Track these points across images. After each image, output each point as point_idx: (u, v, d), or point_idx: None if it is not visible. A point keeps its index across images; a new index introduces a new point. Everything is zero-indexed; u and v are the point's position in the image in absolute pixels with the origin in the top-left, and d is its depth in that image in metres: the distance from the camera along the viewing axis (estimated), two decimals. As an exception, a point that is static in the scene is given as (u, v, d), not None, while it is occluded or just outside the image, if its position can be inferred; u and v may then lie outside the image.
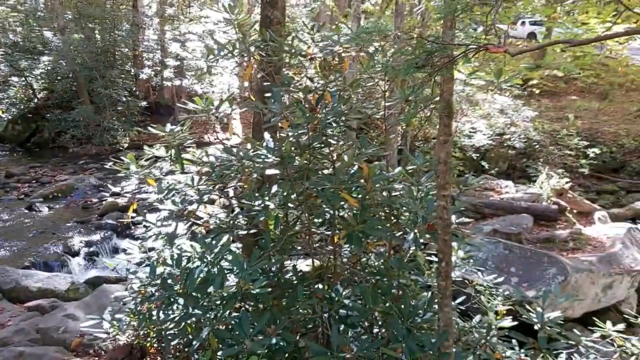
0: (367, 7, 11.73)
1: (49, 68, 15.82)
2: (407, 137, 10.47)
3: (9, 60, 16.04)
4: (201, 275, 2.99)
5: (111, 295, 4.90)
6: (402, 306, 2.90)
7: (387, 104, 3.59)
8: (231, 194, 4.43)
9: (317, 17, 13.31)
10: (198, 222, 4.06)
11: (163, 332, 3.35)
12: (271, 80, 3.75)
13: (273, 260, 3.22)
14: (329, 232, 3.52)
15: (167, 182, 3.70)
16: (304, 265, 4.01)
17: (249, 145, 3.90)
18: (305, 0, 14.46)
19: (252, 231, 3.61)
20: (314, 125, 2.92)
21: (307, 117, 2.98)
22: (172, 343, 3.18)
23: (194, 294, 3.05)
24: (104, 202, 10.15)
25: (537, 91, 14.30)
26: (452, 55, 2.08)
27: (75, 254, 8.01)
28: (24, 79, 15.55)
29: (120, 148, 14.37)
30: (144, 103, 14.87)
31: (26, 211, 9.70)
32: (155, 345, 3.52)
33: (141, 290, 3.95)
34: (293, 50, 3.65)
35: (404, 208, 3.26)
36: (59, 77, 15.84)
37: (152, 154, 4.00)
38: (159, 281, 3.58)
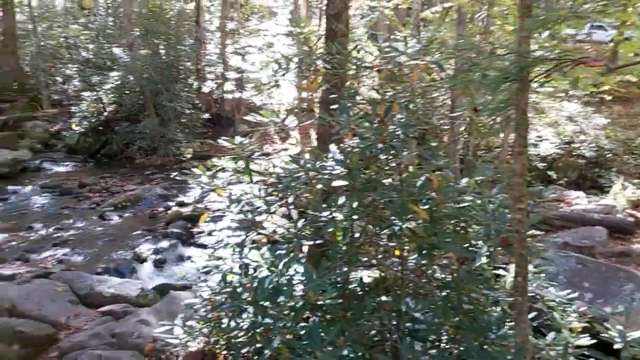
0: (427, 15, 11.62)
1: (117, 83, 16.60)
2: (469, 146, 10.25)
3: (82, 75, 16.98)
4: (271, 285, 3.04)
5: (180, 302, 5.04)
6: (474, 321, 2.83)
7: (452, 114, 3.55)
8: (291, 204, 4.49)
9: (375, 27, 13.32)
10: (263, 232, 4.13)
11: (233, 340, 3.42)
12: (337, 92, 3.78)
13: (340, 271, 3.23)
14: (393, 244, 3.50)
15: (235, 193, 3.78)
16: (366, 276, 3.99)
17: (307, 156, 3.96)
18: (362, 10, 14.49)
19: (317, 242, 3.63)
20: (382, 137, 2.91)
21: (375, 129, 2.98)
22: (242, 351, 3.23)
23: (263, 303, 3.11)
24: (169, 212, 10.49)
25: (609, 97, 13.68)
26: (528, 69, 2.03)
27: (144, 260, 8.32)
28: (95, 93, 16.38)
29: (184, 159, 14.85)
30: (206, 115, 15.32)
31: (98, 219, 10.17)
32: (224, 352, 3.59)
33: (211, 298, 4.04)
34: (358, 62, 3.67)
35: (474, 220, 3.19)
36: (127, 92, 16.57)
37: (221, 165, 4.11)
38: (228, 289, 3.66)
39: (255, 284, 3.12)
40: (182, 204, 10.99)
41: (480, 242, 3.16)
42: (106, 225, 9.95)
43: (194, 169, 4.36)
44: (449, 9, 11.06)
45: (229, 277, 3.94)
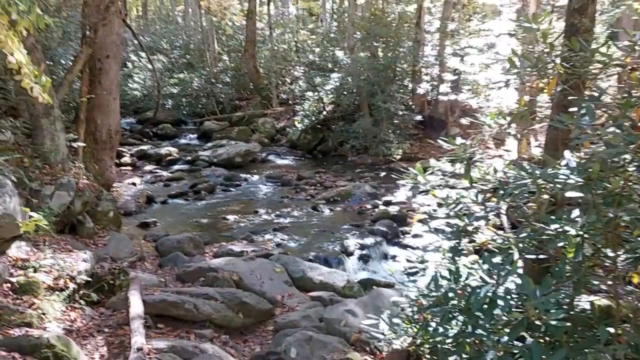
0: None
1: (337, 84, 17.61)
2: None
3: (307, 77, 18.42)
4: (487, 295, 2.86)
5: (385, 298, 5.12)
6: None
7: None
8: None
9: (617, 24, 11.81)
10: (478, 239, 3.95)
11: (439, 346, 3.33)
12: (576, 94, 3.40)
13: (568, 293, 2.90)
14: (632, 269, 3.03)
15: (452, 196, 3.65)
16: (593, 301, 3.54)
17: (525, 163, 3.64)
18: (601, 6, 12.97)
19: (540, 256, 3.33)
20: (637, 145, 2.52)
21: (626, 135, 2.60)
22: (449, 359, 3.11)
23: (476, 313, 2.95)
24: (376, 209, 10.77)
25: None
26: None
27: (350, 254, 8.66)
28: (317, 93, 17.61)
29: (393, 160, 15.06)
30: (419, 117, 15.33)
31: (311, 210, 10.91)
32: (428, 356, 3.52)
33: (418, 300, 4.00)
34: (606, 60, 3.25)
35: None
36: (344, 92, 17.46)
37: (438, 166, 4.03)
38: (437, 294, 3.57)
39: (468, 292, 2.98)
40: (388, 203, 11.18)
41: None
42: (318, 216, 10.62)
43: (410, 168, 4.35)
44: None
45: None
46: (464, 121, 16.10)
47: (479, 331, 2.81)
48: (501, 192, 3.52)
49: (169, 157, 15.47)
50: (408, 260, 8.58)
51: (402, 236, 9.50)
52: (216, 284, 6.08)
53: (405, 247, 9.14)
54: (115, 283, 5.43)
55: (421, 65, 16.09)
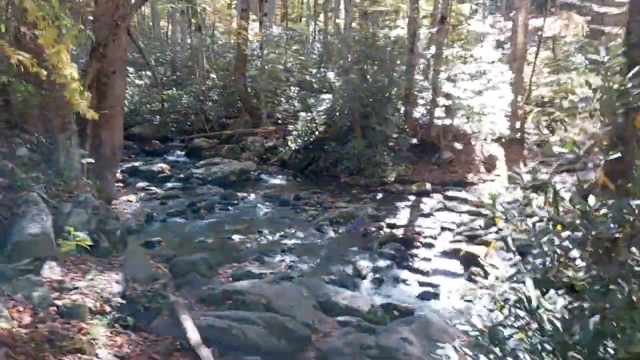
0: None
1: (328, 105, 17.70)
2: None
3: (300, 97, 18.45)
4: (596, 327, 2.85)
5: (432, 326, 5.08)
6: None
7: None
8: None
9: None
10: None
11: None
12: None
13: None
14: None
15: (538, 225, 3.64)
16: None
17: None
18: None
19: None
20: None
21: None
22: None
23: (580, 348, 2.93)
24: (381, 232, 10.77)
25: None
26: None
27: (364, 277, 8.62)
28: (309, 114, 17.65)
29: (387, 182, 15.13)
30: (414, 140, 15.49)
31: (315, 232, 10.84)
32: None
33: (484, 328, 3.96)
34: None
35: None
36: (337, 114, 17.54)
37: (497, 192, 4.03)
38: (515, 323, 3.55)
39: (573, 327, 2.94)
40: (392, 226, 11.20)
41: None
42: (323, 238, 10.56)
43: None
44: None
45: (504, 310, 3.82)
46: (458, 145, 16.42)
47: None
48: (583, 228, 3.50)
49: (162, 174, 15.20)
50: (419, 284, 8.59)
51: (410, 259, 9.50)
52: (245, 308, 5.94)
53: (415, 270, 9.13)
54: (151, 306, 5.25)
55: (415, 89, 16.33)
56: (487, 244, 9.90)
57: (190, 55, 23.63)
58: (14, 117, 6.96)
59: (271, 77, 21.23)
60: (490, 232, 10.44)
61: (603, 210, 3.42)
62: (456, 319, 6.60)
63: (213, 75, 22.70)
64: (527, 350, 3.47)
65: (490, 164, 16.15)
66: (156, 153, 18.63)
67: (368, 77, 16.91)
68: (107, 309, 4.78)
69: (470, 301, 8.02)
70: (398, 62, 16.76)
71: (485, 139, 16.31)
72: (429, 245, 10.25)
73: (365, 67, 17.03)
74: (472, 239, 10.16)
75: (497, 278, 4.18)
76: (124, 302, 5.09)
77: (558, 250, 3.36)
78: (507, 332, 3.85)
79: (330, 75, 19.49)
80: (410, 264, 9.34)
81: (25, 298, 4.05)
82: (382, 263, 9.15)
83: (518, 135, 16.52)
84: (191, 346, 4.12)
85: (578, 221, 3.62)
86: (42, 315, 4.01)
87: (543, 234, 3.49)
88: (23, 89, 5.77)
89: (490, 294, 4.25)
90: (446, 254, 9.77)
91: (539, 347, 3.28)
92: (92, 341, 4.06)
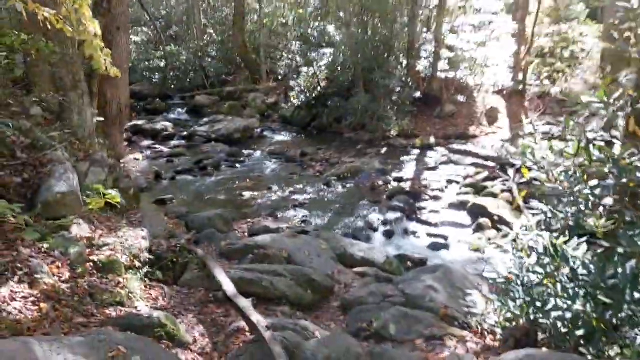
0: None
1: (330, 60, 17.47)
2: None
3: (302, 51, 18.18)
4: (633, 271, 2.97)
5: (453, 274, 5.22)
6: None
7: None
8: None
9: None
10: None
11: (557, 322, 3.41)
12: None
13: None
14: None
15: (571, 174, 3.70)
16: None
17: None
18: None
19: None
20: None
21: None
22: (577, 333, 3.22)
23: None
24: (389, 186, 10.88)
25: None
26: None
27: (375, 230, 8.78)
28: (311, 69, 17.45)
29: (391, 136, 15.14)
30: (417, 94, 15.40)
31: (324, 187, 10.92)
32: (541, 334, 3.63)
33: (509, 275, 4.08)
34: None
35: None
36: (339, 68, 17.34)
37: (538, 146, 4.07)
38: (541, 271, 3.68)
39: (609, 271, 3.05)
40: (400, 180, 11.30)
41: None
42: (333, 192, 10.65)
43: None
44: None
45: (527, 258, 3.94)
46: (460, 98, 16.36)
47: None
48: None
49: (165, 133, 15.16)
50: (429, 235, 8.76)
51: (419, 212, 9.64)
52: (267, 261, 6.08)
53: (424, 223, 9.29)
54: (178, 261, 5.37)
55: (418, 41, 16.12)
56: (494, 195, 10.05)
57: (185, 10, 23.11)
58: (28, 76, 6.88)
59: (272, 32, 20.87)
60: (495, 185, 10.58)
61: (634, 158, 3.49)
62: (469, 268, 6.78)
63: (210, 31, 22.28)
64: (556, 295, 3.61)
65: (492, 116, 16.14)
66: (157, 111, 18.50)
67: (369, 30, 16.66)
68: (137, 264, 4.89)
69: (477, 250, 8.17)
70: (399, 14, 16.48)
71: (487, 92, 16.28)
72: (437, 198, 10.37)
73: (366, 19, 16.75)
74: (478, 191, 10.29)
75: (522, 227, 4.28)
76: (152, 257, 5.20)
77: (591, 198, 3.45)
78: (533, 278, 3.99)
79: (330, 28, 19.16)
80: (419, 216, 9.49)
81: (62, 254, 4.14)
82: (391, 216, 9.27)
83: (520, 87, 16.42)
84: (228, 297, 4.24)
85: (607, 169, 3.70)
86: (80, 270, 4.11)
87: (577, 182, 3.57)
88: (45, 46, 5.66)
89: (515, 243, 4.38)
90: (454, 206, 9.89)
91: (571, 292, 3.41)
92: (130, 294, 4.18)
